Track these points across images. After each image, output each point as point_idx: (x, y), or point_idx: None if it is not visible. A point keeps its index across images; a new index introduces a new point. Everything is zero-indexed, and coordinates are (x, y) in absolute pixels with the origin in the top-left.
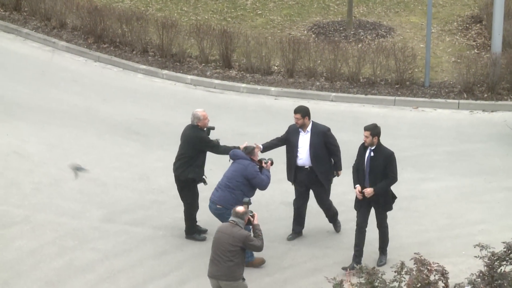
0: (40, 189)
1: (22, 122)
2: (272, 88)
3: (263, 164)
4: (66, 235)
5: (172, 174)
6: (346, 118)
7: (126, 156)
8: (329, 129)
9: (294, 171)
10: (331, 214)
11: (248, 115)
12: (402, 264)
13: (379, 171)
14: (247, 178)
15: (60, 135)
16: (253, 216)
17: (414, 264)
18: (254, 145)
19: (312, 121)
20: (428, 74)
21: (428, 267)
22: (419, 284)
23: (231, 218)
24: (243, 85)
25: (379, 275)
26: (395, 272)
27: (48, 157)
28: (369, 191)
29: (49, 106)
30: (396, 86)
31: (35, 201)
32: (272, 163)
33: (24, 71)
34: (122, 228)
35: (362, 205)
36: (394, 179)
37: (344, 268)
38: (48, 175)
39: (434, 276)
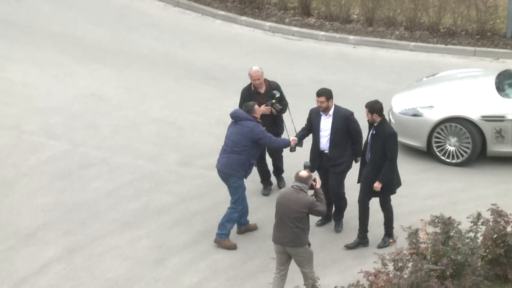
0: (118, 132)
1: (101, 65)
2: (351, 37)
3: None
4: (143, 177)
5: None
6: (425, 68)
7: (203, 101)
8: (352, 113)
9: (319, 157)
10: (340, 206)
11: (325, 63)
12: (479, 214)
13: (379, 149)
14: (255, 140)
15: (138, 78)
16: (314, 180)
17: (491, 215)
18: (289, 139)
19: (334, 104)
20: (510, 24)
21: (505, 218)
22: (496, 235)
23: (295, 183)
24: (322, 33)
25: (455, 225)
26: (471, 222)
27: (126, 100)
28: (377, 186)
29: (128, 50)
30: (477, 36)
31: (112, 144)
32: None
33: (104, 15)
34: (198, 172)
35: (363, 181)
36: (393, 160)
37: (347, 246)
38: (126, 118)
39: (511, 227)
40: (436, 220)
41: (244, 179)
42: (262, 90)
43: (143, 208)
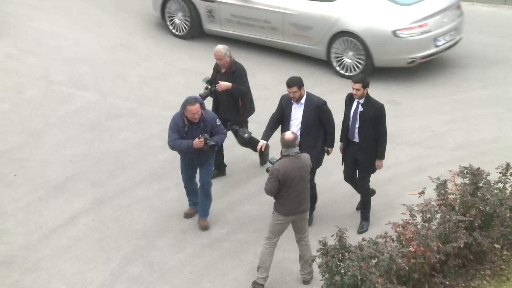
0: (146, 82)
1: (129, 14)
2: None
3: (197, 141)
4: None
5: None
6: None
7: None
8: (325, 103)
9: None
10: (312, 197)
11: None
12: (508, 165)
13: (369, 125)
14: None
15: (167, 29)
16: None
17: None
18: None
19: (306, 92)
20: None
21: None
22: None
23: (289, 150)
24: None
25: (484, 176)
26: (500, 173)
27: (154, 50)
28: (380, 164)
29: None
30: None
31: (141, 94)
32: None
33: None
34: None
35: (346, 162)
36: (386, 135)
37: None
38: (154, 69)
39: None
40: (465, 171)
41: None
42: (223, 70)
43: (171, 160)
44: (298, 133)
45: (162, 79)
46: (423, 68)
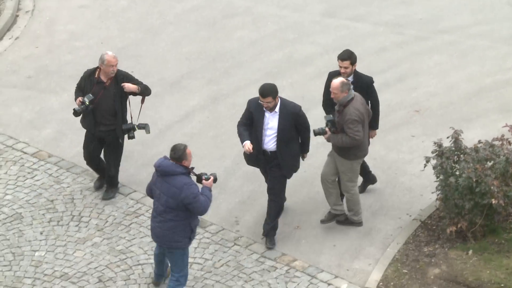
0: None
1: None
2: None
3: (203, 179)
4: (287, 28)
5: None
6: None
7: None
8: (300, 108)
9: (258, 155)
10: (274, 210)
11: None
12: None
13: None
14: (184, 204)
15: None
16: None
17: None
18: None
19: (280, 98)
20: None
21: None
22: None
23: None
24: None
25: None
26: None
27: None
28: (374, 134)
29: None
30: None
31: None
32: (215, 180)
33: None
34: (342, 23)
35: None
36: (378, 105)
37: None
38: None
39: None
40: None
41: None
42: (106, 81)
43: (286, 59)
44: (273, 143)
45: None
46: None
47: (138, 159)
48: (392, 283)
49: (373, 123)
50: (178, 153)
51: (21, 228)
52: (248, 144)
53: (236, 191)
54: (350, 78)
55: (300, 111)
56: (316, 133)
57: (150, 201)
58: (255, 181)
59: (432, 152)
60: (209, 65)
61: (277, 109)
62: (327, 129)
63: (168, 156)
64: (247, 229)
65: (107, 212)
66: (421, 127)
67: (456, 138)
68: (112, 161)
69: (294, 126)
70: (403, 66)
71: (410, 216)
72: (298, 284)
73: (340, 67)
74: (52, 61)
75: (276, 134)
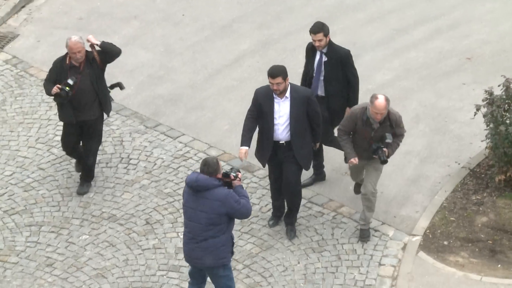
0: None
1: None
2: None
3: (233, 179)
4: None
5: None
6: None
7: None
8: (312, 92)
9: (271, 149)
10: (295, 204)
11: None
12: None
13: (336, 76)
14: (229, 214)
15: None
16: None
17: None
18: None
19: (290, 83)
20: None
21: None
22: None
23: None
24: None
25: None
26: None
27: None
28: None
29: None
30: None
31: None
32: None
33: None
34: None
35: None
36: (357, 80)
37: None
38: None
39: None
40: None
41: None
42: (81, 64)
43: (338, 4)
44: (287, 132)
45: None
46: None
47: (187, 103)
48: (439, 231)
49: (351, 101)
50: (213, 167)
51: (70, 169)
52: (243, 152)
53: None
54: (324, 50)
55: (312, 95)
56: (383, 162)
57: (199, 145)
58: None
59: (483, 100)
60: (260, 9)
61: (287, 94)
62: (385, 149)
63: (198, 171)
64: None
65: (156, 155)
66: (472, 75)
67: (507, 86)
68: (92, 150)
69: (306, 112)
70: (455, 13)
71: (459, 164)
72: (344, 230)
73: (314, 40)
74: (104, 3)
75: (288, 122)
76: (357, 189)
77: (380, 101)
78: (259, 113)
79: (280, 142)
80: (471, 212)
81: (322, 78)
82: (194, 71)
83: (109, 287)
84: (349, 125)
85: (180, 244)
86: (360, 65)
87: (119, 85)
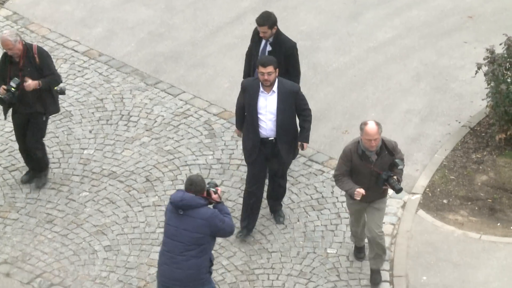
0: None
1: None
2: None
3: (213, 195)
4: None
5: None
6: None
7: None
8: (299, 88)
9: (259, 144)
10: (283, 194)
11: None
12: None
13: (280, 67)
14: (213, 233)
15: None
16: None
17: None
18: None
19: (278, 77)
20: None
21: None
22: None
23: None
24: None
25: None
26: None
27: None
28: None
29: None
30: None
31: None
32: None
33: None
34: None
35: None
36: (298, 74)
37: None
38: None
39: None
40: None
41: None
42: (20, 60)
43: None
44: (273, 128)
45: None
46: None
47: (188, 60)
48: (438, 189)
49: None
50: (200, 185)
51: (70, 126)
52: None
53: None
54: (270, 39)
55: (299, 90)
56: (398, 190)
57: (199, 102)
58: (305, 84)
59: (484, 59)
60: None
61: (275, 88)
62: (395, 177)
63: (183, 189)
64: None
65: (156, 112)
66: (474, 33)
67: (509, 45)
68: (38, 143)
69: (294, 108)
70: None
71: (459, 122)
72: None
73: (259, 30)
74: None
75: (275, 118)
76: (357, 254)
77: (371, 125)
78: (246, 107)
79: (269, 139)
80: (471, 170)
81: None
82: (195, 28)
83: (108, 243)
84: (345, 166)
85: None
86: (362, 23)
87: (61, 91)
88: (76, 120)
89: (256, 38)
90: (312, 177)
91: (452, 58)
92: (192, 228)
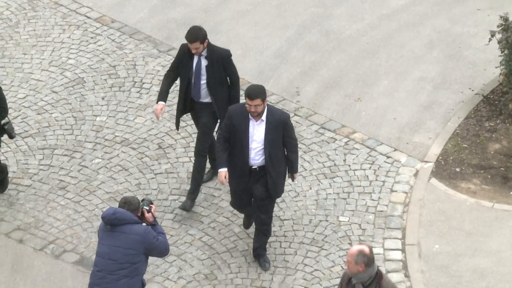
0: None
1: None
2: None
3: (146, 214)
4: None
5: None
6: None
7: None
8: (289, 116)
9: (245, 174)
10: (268, 238)
11: None
12: None
13: (220, 78)
14: (147, 251)
15: None
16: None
17: None
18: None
19: (267, 104)
20: None
21: None
22: None
23: None
24: None
25: None
26: None
27: None
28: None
29: None
30: None
31: None
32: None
33: None
34: None
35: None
36: (239, 80)
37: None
38: None
39: None
40: None
41: None
42: None
43: None
44: (260, 157)
45: None
46: None
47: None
48: (451, 157)
49: (232, 99)
50: (135, 205)
51: (83, 92)
52: (221, 173)
53: (298, 61)
54: (204, 53)
55: (289, 119)
56: None
57: None
58: (317, 51)
59: (498, 26)
60: None
61: (263, 117)
62: None
63: (116, 208)
64: (307, 100)
65: None
66: (488, 1)
67: None
68: None
69: (282, 137)
70: None
71: (473, 90)
72: (357, 156)
73: (190, 47)
74: None
75: (263, 148)
76: None
77: (352, 248)
78: (232, 135)
79: (253, 167)
80: (484, 139)
81: (203, 82)
82: None
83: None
84: None
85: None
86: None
87: (9, 132)
88: (88, 87)
89: (187, 55)
90: (325, 144)
91: (465, 26)
92: (126, 245)
